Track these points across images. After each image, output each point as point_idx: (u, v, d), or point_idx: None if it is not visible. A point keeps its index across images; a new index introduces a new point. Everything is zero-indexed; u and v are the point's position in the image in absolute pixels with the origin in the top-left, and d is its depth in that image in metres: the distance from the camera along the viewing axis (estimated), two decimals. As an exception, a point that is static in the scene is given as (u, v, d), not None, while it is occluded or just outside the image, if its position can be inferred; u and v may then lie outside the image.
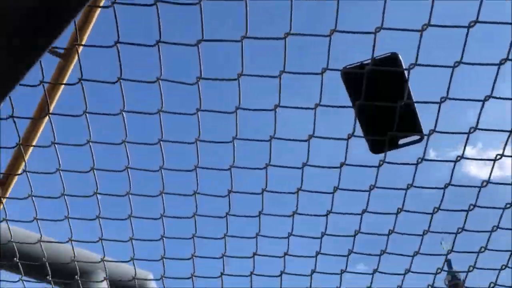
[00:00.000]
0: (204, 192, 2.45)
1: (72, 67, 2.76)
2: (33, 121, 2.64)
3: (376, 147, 2.04)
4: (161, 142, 2.21)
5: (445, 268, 2.61)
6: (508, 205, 2.17)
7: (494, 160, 2.09)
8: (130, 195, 2.52)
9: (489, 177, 2.16)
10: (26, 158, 2.65)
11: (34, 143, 2.67)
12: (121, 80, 1.97)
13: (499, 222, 2.25)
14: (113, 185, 2.64)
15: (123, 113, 2.11)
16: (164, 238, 2.71)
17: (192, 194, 2.44)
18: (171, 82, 1.97)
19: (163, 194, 2.49)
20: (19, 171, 2.71)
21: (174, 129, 2.36)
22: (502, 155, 2.07)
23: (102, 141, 2.29)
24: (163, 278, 2.89)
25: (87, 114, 2.13)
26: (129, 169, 2.36)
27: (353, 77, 1.87)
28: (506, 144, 2.05)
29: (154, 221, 2.65)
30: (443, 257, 2.55)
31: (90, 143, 2.25)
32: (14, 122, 2.15)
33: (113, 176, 2.45)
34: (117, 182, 2.57)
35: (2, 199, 2.78)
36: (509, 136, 1.99)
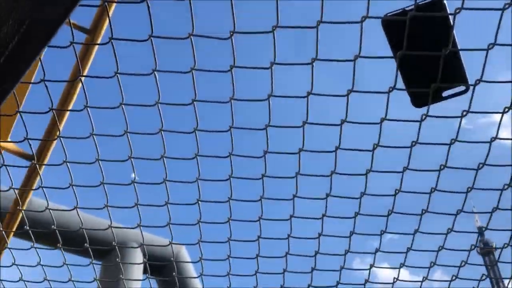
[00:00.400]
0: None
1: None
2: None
3: (418, 100, 1.94)
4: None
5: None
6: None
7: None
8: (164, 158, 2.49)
9: None
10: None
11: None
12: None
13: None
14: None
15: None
16: (200, 202, 2.67)
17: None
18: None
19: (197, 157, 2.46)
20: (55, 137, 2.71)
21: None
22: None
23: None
24: (200, 242, 2.88)
25: (118, 75, 2.10)
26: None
27: (394, 25, 1.78)
28: None
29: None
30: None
31: (123, 105, 2.22)
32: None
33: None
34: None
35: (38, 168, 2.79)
36: None
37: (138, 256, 4.81)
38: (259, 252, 2.78)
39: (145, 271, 4.67)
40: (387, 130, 2.10)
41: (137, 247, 4.84)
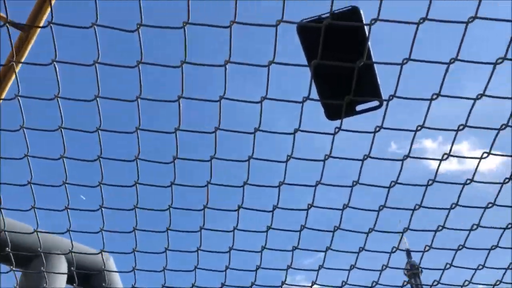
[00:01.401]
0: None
1: None
2: None
3: (332, 112, 1.88)
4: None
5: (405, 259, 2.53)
6: (468, 181, 2.06)
7: (480, 158, 2.00)
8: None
9: (474, 175, 2.06)
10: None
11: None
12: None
13: (458, 199, 2.15)
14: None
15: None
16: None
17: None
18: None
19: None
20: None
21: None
22: (489, 153, 1.98)
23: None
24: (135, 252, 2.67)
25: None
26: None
27: (310, 33, 1.71)
28: (493, 144, 1.96)
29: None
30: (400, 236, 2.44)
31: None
32: None
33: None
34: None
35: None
36: (496, 135, 1.89)
37: (63, 265, 4.57)
38: (198, 263, 2.59)
39: (71, 281, 4.40)
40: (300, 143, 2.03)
41: (62, 254, 4.57)
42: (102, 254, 3.02)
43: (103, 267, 3.86)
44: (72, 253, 3.39)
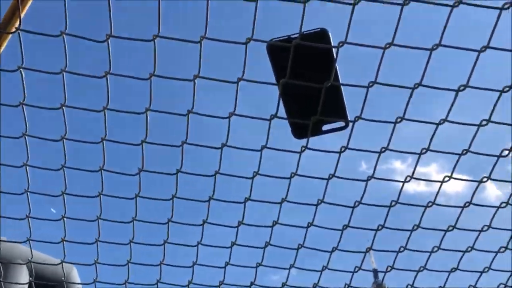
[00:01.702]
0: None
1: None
2: None
3: (299, 131, 1.90)
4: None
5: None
6: (430, 203, 2.09)
7: (442, 182, 2.04)
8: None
9: (435, 198, 2.09)
10: None
11: None
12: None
13: (420, 221, 2.18)
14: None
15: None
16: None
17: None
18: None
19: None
20: None
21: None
22: (450, 177, 2.02)
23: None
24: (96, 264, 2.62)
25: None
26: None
27: (279, 52, 1.73)
28: (454, 168, 2.00)
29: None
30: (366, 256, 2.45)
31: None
32: None
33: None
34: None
35: None
36: (457, 160, 1.94)
37: (23, 274, 4.47)
38: (161, 277, 2.55)
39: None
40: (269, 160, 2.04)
41: (23, 264, 4.47)
42: (62, 265, 2.96)
43: (63, 278, 3.79)
44: (32, 263, 3.32)
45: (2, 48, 2.56)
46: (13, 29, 2.29)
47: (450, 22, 1.59)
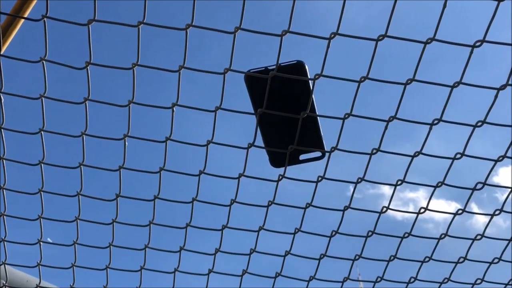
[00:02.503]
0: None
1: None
2: None
3: (276, 160, 1.92)
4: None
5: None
6: (406, 234, 2.10)
7: (418, 213, 2.06)
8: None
9: (411, 229, 2.11)
10: None
11: None
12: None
13: (396, 252, 2.19)
14: None
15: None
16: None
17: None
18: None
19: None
20: None
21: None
22: (425, 209, 2.05)
23: None
24: None
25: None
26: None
27: (256, 82, 1.76)
28: (430, 199, 2.02)
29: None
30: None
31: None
32: None
33: None
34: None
35: None
36: (433, 192, 1.97)
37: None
38: None
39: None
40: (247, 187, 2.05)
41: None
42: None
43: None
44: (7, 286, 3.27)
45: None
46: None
47: (423, 57, 1.63)
